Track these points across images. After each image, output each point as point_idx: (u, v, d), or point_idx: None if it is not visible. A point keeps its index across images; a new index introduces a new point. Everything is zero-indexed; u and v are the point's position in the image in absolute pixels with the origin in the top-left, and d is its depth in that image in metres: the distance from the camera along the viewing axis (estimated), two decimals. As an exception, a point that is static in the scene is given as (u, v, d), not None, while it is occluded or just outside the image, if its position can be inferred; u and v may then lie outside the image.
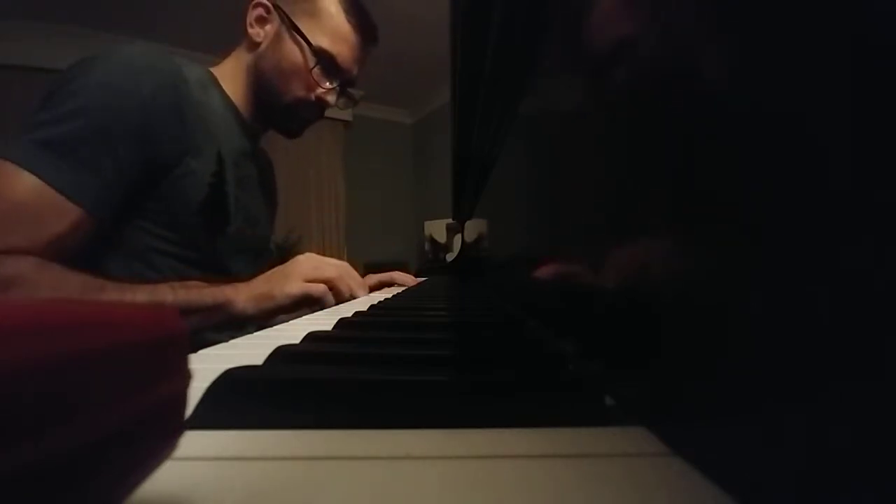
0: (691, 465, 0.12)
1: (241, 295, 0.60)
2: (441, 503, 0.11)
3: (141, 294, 0.55)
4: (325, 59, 0.70)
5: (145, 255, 0.60)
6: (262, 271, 0.79)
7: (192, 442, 0.13)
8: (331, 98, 0.73)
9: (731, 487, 0.11)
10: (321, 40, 0.69)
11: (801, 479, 0.09)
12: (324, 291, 0.64)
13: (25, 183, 0.50)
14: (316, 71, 0.69)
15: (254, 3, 0.69)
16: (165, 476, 0.11)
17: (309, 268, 0.65)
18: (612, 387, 0.18)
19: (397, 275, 0.95)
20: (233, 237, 0.68)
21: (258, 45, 0.69)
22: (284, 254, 2.99)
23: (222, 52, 0.74)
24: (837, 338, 0.08)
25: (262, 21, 0.69)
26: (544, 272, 0.37)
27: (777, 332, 0.10)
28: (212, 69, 0.71)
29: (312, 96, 0.71)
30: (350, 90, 0.75)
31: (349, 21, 0.71)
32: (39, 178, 0.50)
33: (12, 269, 0.49)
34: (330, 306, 0.64)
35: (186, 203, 0.61)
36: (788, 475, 0.09)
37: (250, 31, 0.69)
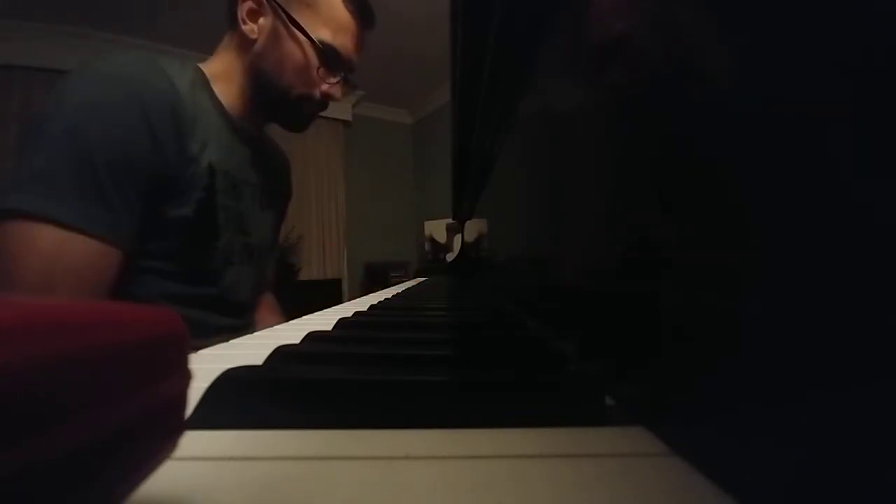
0: (691, 465, 0.12)
1: None
2: (441, 503, 0.11)
3: None
4: (328, 54, 0.64)
5: (134, 273, 0.56)
6: (263, 273, 0.76)
7: (192, 442, 0.13)
8: (336, 91, 0.68)
9: (731, 487, 0.11)
10: (322, 33, 0.63)
11: (800, 479, 0.09)
12: None
13: (48, 234, 0.46)
14: (321, 68, 0.64)
15: None
16: (165, 476, 0.11)
17: None
18: (612, 387, 0.18)
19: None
20: (222, 249, 0.64)
21: (252, 41, 0.63)
22: (285, 254, 2.99)
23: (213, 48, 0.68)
24: (837, 338, 0.08)
25: (253, 15, 0.63)
26: (544, 271, 0.37)
27: (777, 333, 0.10)
28: (202, 66, 0.65)
29: (318, 92, 0.67)
30: (350, 77, 0.70)
31: (348, 8, 0.66)
32: (64, 226, 0.47)
33: None
34: None
35: (178, 221, 0.57)
36: (788, 475, 0.09)
37: (243, 27, 0.62)
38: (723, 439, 0.11)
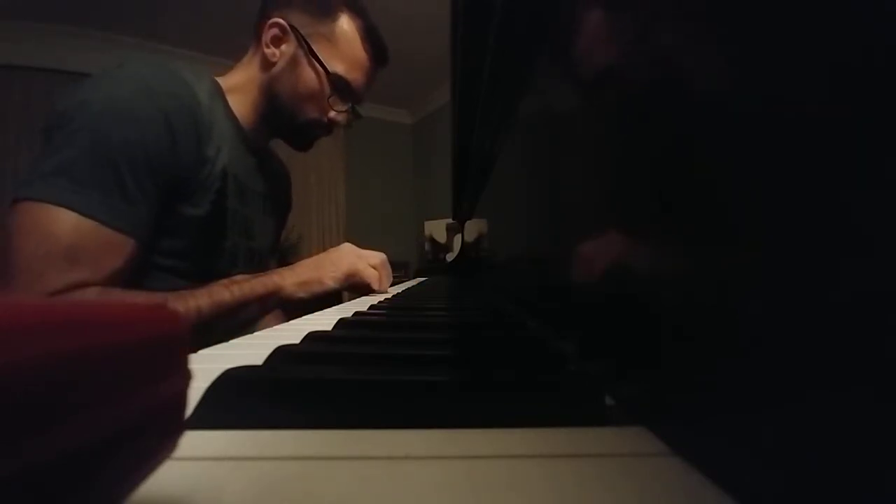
0: (691, 465, 0.12)
1: (288, 281, 0.65)
2: (441, 503, 0.11)
3: (203, 299, 0.58)
4: (340, 86, 0.70)
5: (149, 270, 0.60)
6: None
7: (192, 442, 0.13)
8: (342, 119, 0.74)
9: (731, 487, 0.11)
10: (338, 66, 0.69)
11: (800, 479, 0.09)
12: (372, 276, 0.71)
13: (67, 221, 0.50)
14: (332, 97, 0.71)
15: (270, 22, 0.67)
16: (165, 476, 0.11)
17: (354, 256, 0.71)
18: (612, 387, 0.18)
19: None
20: (229, 251, 0.69)
21: (272, 64, 0.69)
22: (285, 254, 2.99)
23: (227, 56, 0.73)
24: (837, 338, 0.08)
25: (277, 41, 0.68)
26: (544, 271, 0.37)
27: (777, 333, 0.10)
28: (219, 79, 0.70)
29: (325, 119, 0.73)
30: (357, 107, 0.76)
31: (365, 49, 0.72)
32: (83, 215, 0.50)
33: None
34: (373, 292, 0.71)
35: (191, 220, 0.62)
36: (788, 475, 0.09)
37: (266, 51, 0.68)
38: (723, 439, 0.11)
